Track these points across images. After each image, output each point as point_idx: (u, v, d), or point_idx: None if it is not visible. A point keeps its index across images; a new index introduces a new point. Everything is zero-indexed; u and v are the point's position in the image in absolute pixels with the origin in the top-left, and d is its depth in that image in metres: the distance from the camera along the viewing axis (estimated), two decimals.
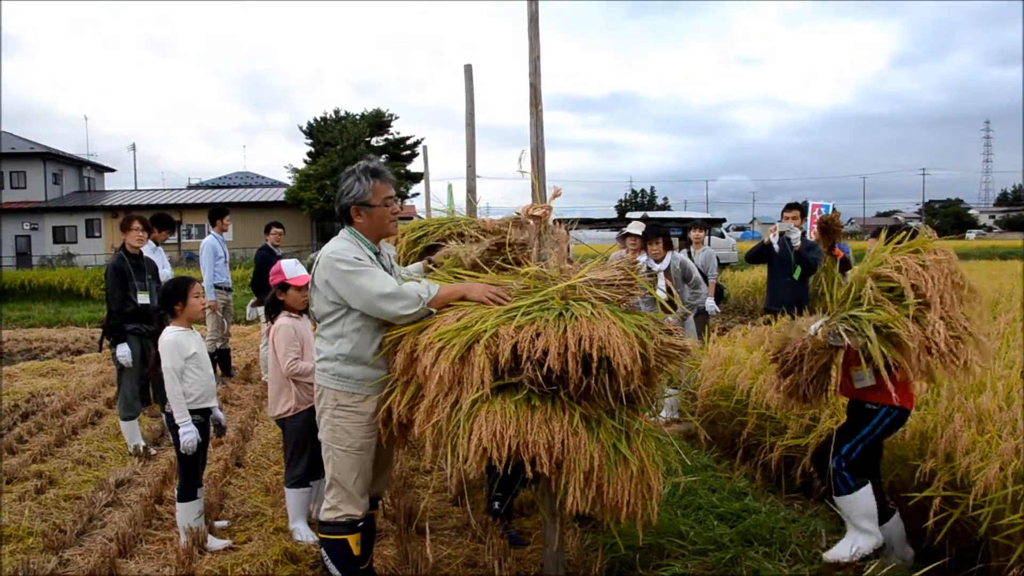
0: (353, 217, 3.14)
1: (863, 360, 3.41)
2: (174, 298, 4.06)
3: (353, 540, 3.12)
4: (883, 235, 3.62)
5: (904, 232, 3.55)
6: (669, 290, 6.17)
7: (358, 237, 3.13)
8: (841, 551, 3.48)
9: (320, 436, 3.17)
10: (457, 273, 3.32)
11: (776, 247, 7.20)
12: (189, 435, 3.88)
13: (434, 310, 2.96)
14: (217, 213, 8.61)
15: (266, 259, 8.23)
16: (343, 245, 3.07)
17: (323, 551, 3.16)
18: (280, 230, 8.61)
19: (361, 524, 3.15)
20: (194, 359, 4.01)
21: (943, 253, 3.37)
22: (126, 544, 3.96)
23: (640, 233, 6.83)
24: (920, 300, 3.27)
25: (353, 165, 3.19)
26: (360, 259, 3.00)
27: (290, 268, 4.21)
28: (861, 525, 3.48)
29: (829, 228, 3.80)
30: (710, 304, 7.58)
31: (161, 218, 7.59)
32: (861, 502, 3.50)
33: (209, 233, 8.65)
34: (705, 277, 7.81)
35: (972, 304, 3.38)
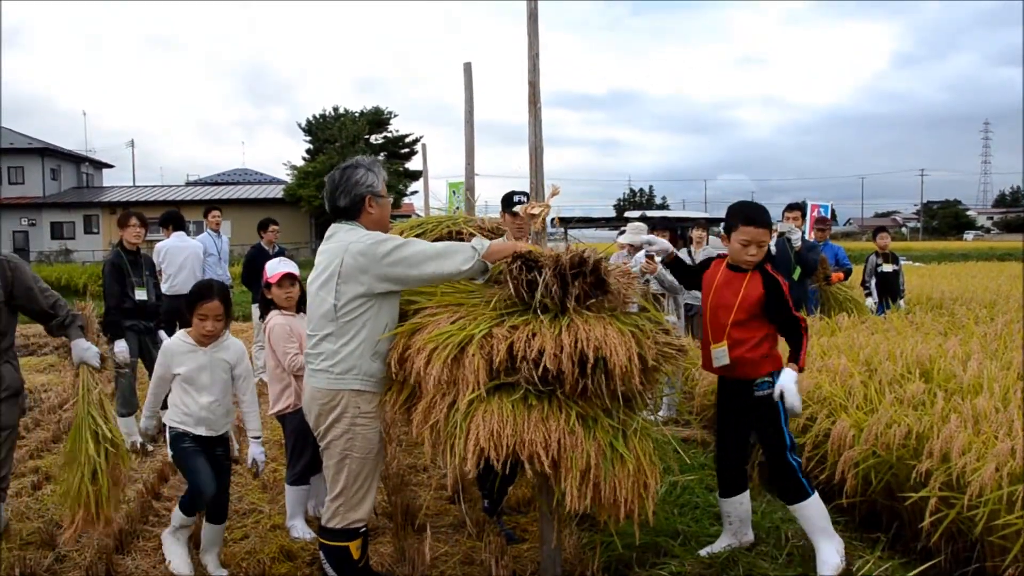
0: (366, 208, 3.06)
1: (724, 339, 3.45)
2: (190, 306, 3.76)
3: (354, 546, 3.08)
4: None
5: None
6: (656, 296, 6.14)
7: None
8: (832, 560, 3.31)
9: (331, 444, 3.01)
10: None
11: (773, 248, 7.18)
12: (144, 427, 4.02)
13: (490, 264, 2.96)
14: (206, 211, 8.72)
15: (253, 257, 8.28)
16: (366, 232, 2.99)
17: (323, 555, 3.14)
18: (276, 227, 8.56)
19: (363, 530, 3.11)
20: (179, 379, 3.73)
21: None
22: (123, 540, 3.97)
23: (632, 243, 6.74)
24: None
25: (350, 160, 3.14)
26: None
27: (272, 266, 4.21)
28: (828, 529, 3.39)
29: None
30: None
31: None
32: (820, 504, 3.43)
33: (204, 230, 8.66)
34: None
35: None
